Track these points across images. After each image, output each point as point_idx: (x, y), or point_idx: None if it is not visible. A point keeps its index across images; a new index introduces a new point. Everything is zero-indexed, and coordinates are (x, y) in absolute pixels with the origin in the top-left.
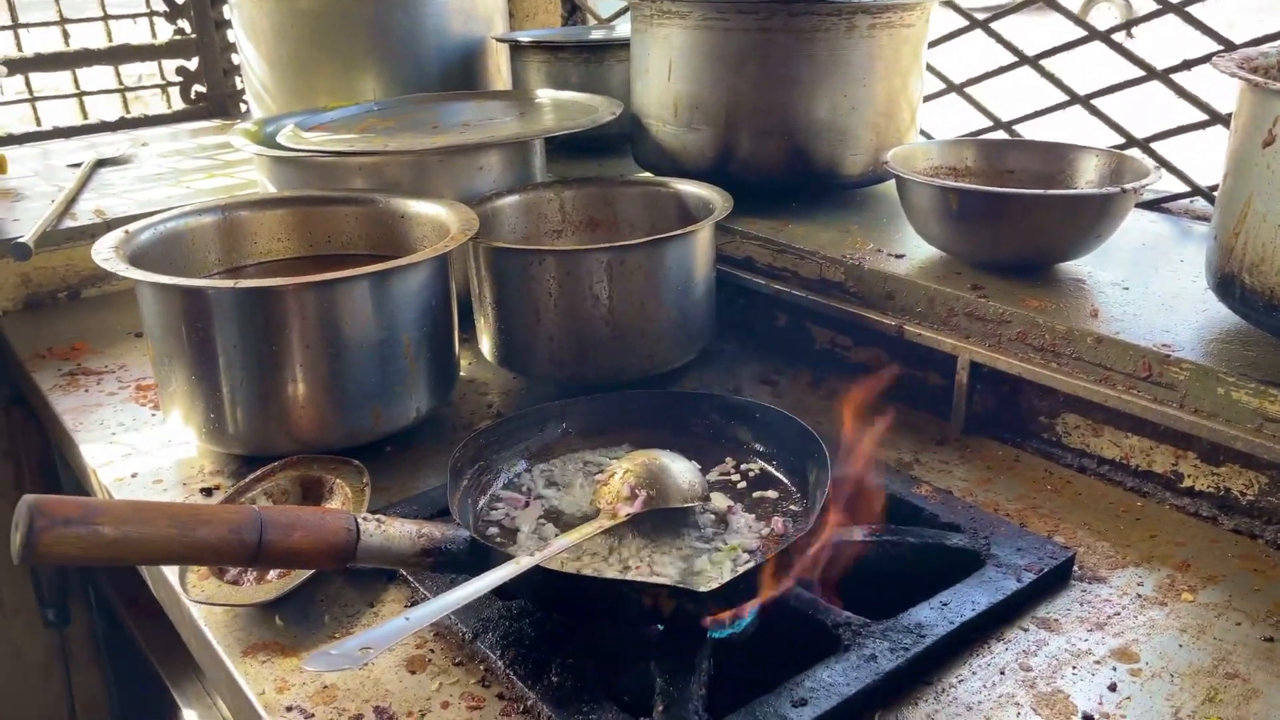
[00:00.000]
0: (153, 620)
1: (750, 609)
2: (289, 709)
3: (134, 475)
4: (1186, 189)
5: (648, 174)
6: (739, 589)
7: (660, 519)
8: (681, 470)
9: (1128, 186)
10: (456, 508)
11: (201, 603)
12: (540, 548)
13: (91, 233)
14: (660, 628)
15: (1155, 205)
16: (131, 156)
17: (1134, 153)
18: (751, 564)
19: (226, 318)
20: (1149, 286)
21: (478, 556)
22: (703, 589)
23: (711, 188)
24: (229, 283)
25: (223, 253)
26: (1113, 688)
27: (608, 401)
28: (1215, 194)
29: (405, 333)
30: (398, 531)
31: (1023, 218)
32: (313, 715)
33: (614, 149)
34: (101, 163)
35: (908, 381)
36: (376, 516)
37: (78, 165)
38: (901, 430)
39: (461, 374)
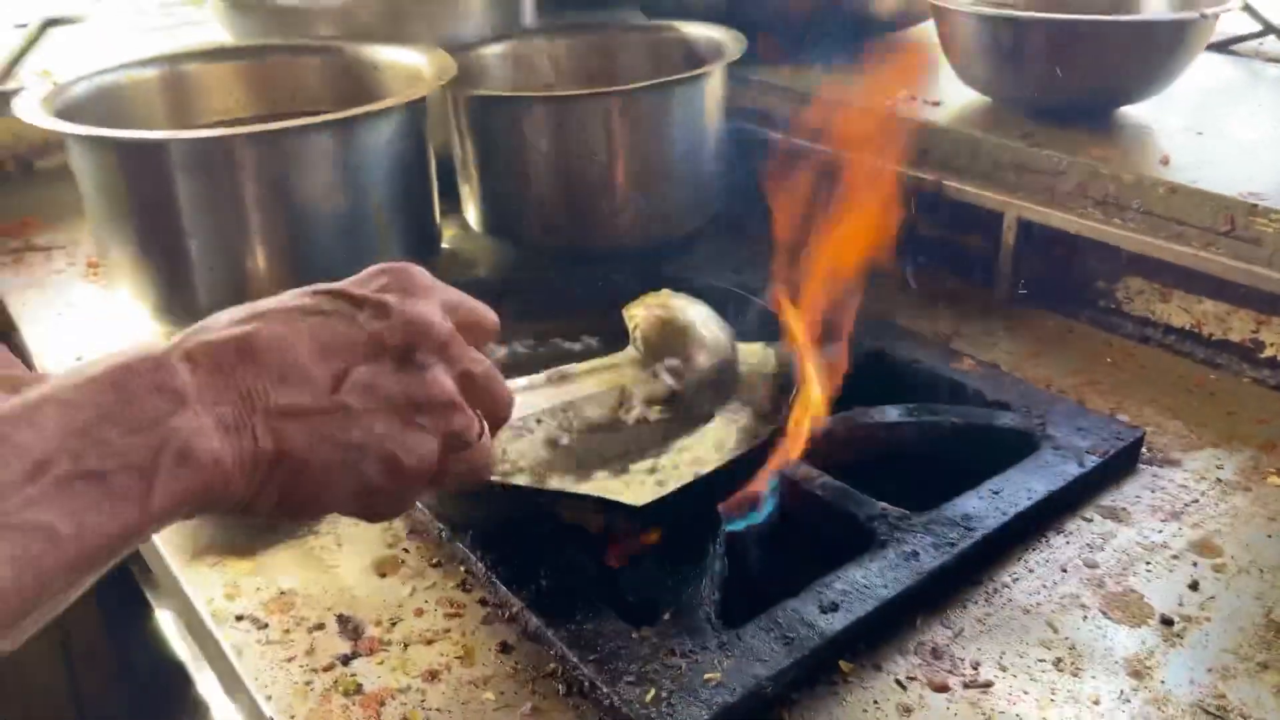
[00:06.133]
0: None
1: (767, 495)
2: (239, 618)
3: (78, 359)
4: (1258, 28)
5: (651, 20)
6: (689, 498)
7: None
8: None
9: (1208, 12)
10: None
11: None
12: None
13: None
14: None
15: (1222, 47)
16: (84, 16)
17: None
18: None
19: (167, 177)
20: (1225, 132)
21: None
22: (636, 502)
23: (723, 29)
24: (162, 134)
25: (170, 110)
26: (1194, 586)
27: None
28: None
29: (374, 195)
30: None
31: (1086, 51)
32: (266, 625)
33: None
34: (51, 22)
35: (947, 245)
36: None
37: (24, 25)
38: (939, 299)
39: (446, 246)
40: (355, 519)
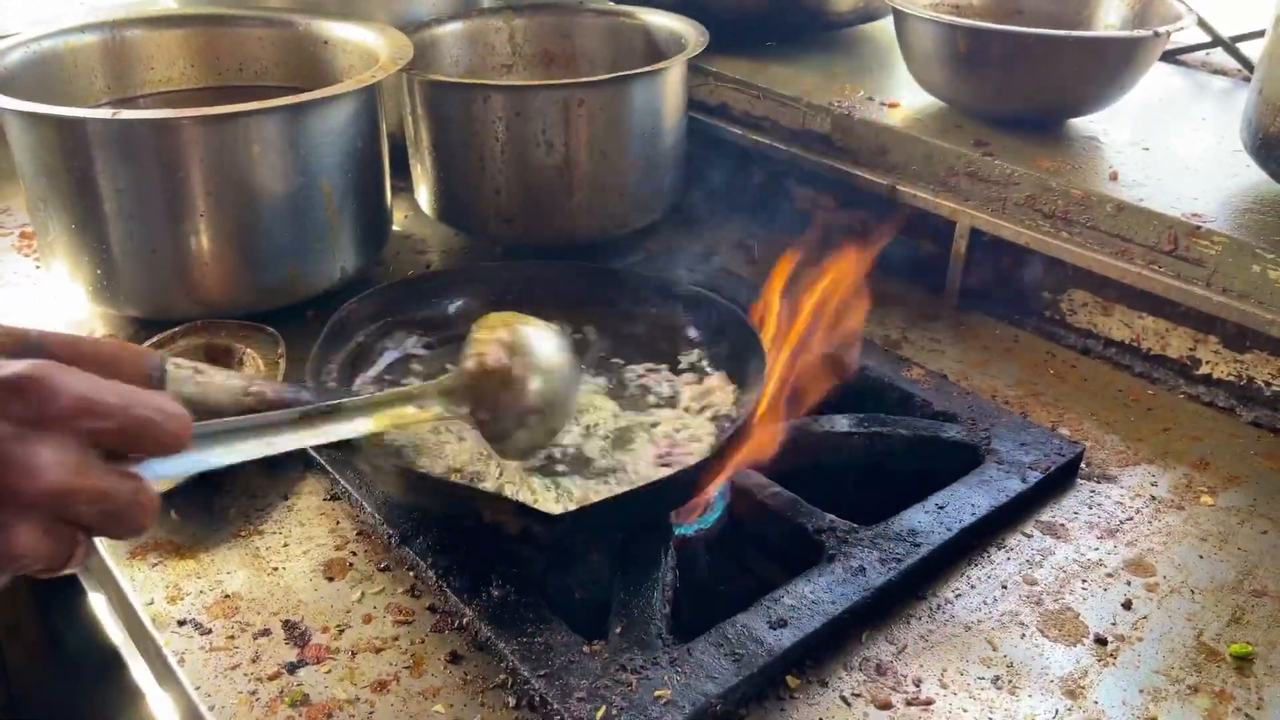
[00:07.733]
0: None
1: (717, 500)
2: (181, 623)
3: None
4: (1206, 39)
5: (611, 4)
6: (609, 512)
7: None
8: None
9: (1160, 30)
10: (313, 369)
11: None
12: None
13: None
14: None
15: (1170, 57)
16: None
17: None
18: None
19: (110, 156)
20: (1170, 147)
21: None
22: (554, 510)
23: (684, 19)
24: (107, 113)
25: (112, 79)
26: (1127, 605)
27: (522, 271)
28: (1240, 44)
29: (326, 179)
30: (219, 383)
31: (1041, 63)
32: (210, 631)
33: None
34: None
35: (898, 248)
36: (193, 364)
37: None
38: (889, 303)
39: (396, 229)
40: None
